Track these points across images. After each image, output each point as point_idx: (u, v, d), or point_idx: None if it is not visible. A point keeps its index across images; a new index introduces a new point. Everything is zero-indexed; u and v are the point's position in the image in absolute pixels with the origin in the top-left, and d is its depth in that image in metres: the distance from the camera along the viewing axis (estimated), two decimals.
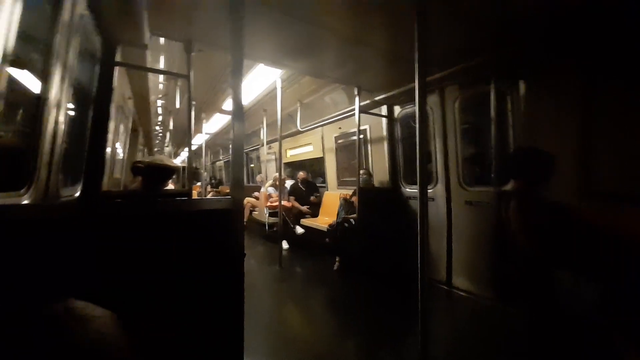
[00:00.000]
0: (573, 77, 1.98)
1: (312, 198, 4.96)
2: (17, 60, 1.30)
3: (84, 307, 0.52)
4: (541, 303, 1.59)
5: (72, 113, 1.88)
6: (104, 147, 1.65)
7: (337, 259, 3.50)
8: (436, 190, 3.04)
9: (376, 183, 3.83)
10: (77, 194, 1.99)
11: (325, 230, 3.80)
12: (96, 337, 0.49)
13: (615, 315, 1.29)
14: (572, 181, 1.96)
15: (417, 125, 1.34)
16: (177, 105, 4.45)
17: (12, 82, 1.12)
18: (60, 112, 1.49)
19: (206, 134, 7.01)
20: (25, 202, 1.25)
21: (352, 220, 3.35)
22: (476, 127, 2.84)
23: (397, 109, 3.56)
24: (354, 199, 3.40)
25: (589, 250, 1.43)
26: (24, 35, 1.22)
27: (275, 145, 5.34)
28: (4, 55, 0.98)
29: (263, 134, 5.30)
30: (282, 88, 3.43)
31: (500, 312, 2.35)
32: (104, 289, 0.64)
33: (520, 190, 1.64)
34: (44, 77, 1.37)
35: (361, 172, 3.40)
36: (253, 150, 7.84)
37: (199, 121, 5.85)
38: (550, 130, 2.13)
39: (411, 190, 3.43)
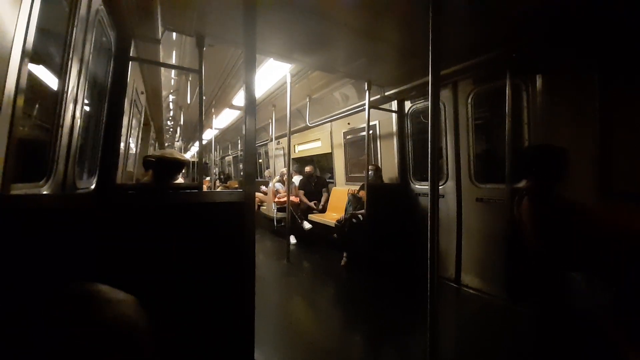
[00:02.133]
0: (592, 73, 1.91)
1: (315, 202, 4.96)
2: (36, 56, 1.34)
3: (107, 290, 0.54)
4: (551, 303, 1.57)
5: (88, 108, 1.92)
6: (118, 141, 1.68)
7: (344, 255, 3.51)
8: (446, 187, 3.00)
9: (385, 179, 3.80)
10: (93, 186, 2.05)
11: (333, 225, 3.80)
12: (121, 319, 0.51)
13: (626, 318, 1.26)
14: (589, 180, 1.91)
15: (430, 121, 1.32)
16: (188, 101, 4.50)
17: (30, 77, 1.15)
18: (77, 107, 1.52)
19: (216, 129, 7.08)
20: (44, 192, 1.29)
21: (360, 216, 3.34)
22: (490, 122, 2.78)
23: (407, 105, 3.51)
24: (362, 193, 3.38)
25: (603, 250, 1.39)
26: (42, 31, 1.25)
27: (284, 140, 5.35)
28: (25, 52, 1.00)
29: (272, 129, 5.31)
30: (291, 83, 3.42)
31: (509, 310, 2.32)
32: (118, 278, 0.66)
33: (533, 188, 1.60)
34: (62, 72, 1.40)
35: (370, 167, 3.38)
36: (261, 145, 7.88)
37: (208, 116, 5.90)
38: (568, 127, 2.07)
39: (420, 186, 3.39)
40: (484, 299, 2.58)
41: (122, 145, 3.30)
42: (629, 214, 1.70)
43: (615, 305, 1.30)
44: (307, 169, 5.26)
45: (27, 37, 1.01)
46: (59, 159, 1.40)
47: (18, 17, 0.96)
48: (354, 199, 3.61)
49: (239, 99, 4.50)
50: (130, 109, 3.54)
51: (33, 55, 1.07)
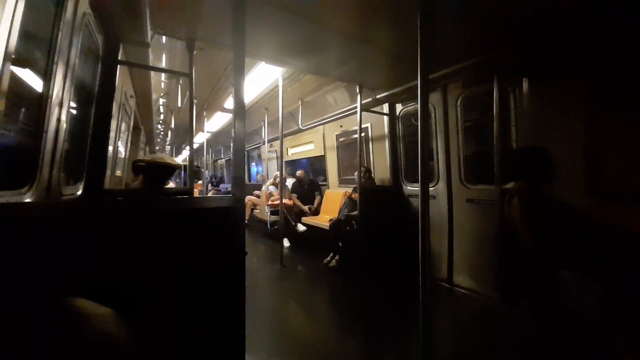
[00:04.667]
0: (578, 76, 1.96)
1: (309, 207, 4.95)
2: (20, 58, 1.31)
3: (84, 305, 0.52)
4: (542, 301, 1.59)
5: (74, 112, 1.88)
6: (106, 146, 1.65)
7: (332, 255, 3.51)
8: (437, 188, 3.03)
9: (377, 181, 3.82)
10: (79, 192, 2.00)
11: (327, 227, 3.80)
12: (96, 333, 0.49)
13: (617, 316, 1.29)
14: (577, 181, 1.95)
15: (420, 123, 1.33)
16: (179, 104, 4.45)
17: (14, 80, 1.13)
18: (63, 111, 1.49)
19: (207, 132, 7.02)
20: (28, 200, 1.26)
21: (353, 222, 3.35)
22: (478, 125, 2.83)
23: (398, 107, 3.55)
24: (355, 195, 3.39)
25: (593, 250, 1.42)
26: (26, 34, 1.23)
27: (276, 143, 5.34)
28: (7, 54, 0.98)
29: (264, 133, 5.30)
30: (283, 86, 3.42)
31: (501, 310, 2.35)
32: (107, 287, 0.64)
33: (523, 188, 1.63)
34: (47, 75, 1.37)
35: (362, 170, 3.40)
36: (254, 148, 7.85)
37: (200, 120, 5.86)
38: (554, 129, 2.12)
39: (412, 188, 3.42)
40: (476, 299, 2.61)
41: (110, 149, 3.24)
42: (616, 213, 1.74)
43: (606, 303, 1.32)
44: (298, 173, 5.26)
45: (10, 40, 0.99)
46: (44, 164, 1.36)
47: (0, 19, 0.94)
48: (350, 202, 3.62)
49: (231, 102, 4.47)
50: (119, 113, 3.48)
51: (17, 58, 1.05)
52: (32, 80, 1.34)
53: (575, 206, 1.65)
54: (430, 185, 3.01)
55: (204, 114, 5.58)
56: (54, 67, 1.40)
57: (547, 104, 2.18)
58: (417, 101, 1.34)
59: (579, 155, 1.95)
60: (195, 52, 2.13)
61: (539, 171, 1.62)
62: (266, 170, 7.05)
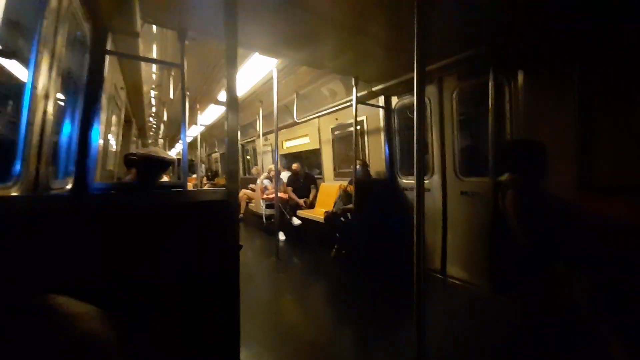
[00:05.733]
0: (572, 69, 1.97)
1: (305, 200, 4.95)
2: (3, 48, 1.26)
3: (67, 303, 0.50)
4: (534, 293, 1.62)
5: (62, 103, 1.83)
6: (96, 139, 1.61)
7: (336, 248, 3.54)
8: (432, 181, 3.05)
9: (373, 174, 3.83)
10: (69, 187, 1.96)
11: (322, 221, 3.81)
12: (79, 334, 0.46)
13: (605, 308, 1.31)
14: (569, 174, 1.97)
15: (415, 116, 1.32)
16: (171, 96, 4.37)
17: None
18: (49, 103, 1.45)
19: (201, 125, 6.92)
20: (14, 194, 1.22)
21: (348, 214, 3.37)
22: (473, 118, 2.84)
23: (394, 100, 3.53)
24: (350, 188, 3.40)
25: (584, 242, 1.45)
26: (9, 22, 1.18)
27: (271, 136, 5.29)
28: None
29: (259, 126, 5.24)
30: (278, 78, 3.37)
31: (493, 301, 2.39)
32: (96, 284, 0.63)
33: (516, 181, 1.65)
34: (32, 65, 1.33)
35: (357, 163, 3.39)
36: (249, 142, 7.78)
37: (193, 112, 5.76)
38: (548, 122, 2.13)
39: (407, 181, 3.43)
40: (469, 290, 2.65)
41: (100, 142, 3.17)
42: (608, 206, 1.77)
43: (596, 295, 1.35)
44: (294, 166, 5.23)
45: None
46: (30, 157, 1.32)
47: None
48: (345, 195, 3.62)
49: (224, 94, 4.41)
50: (109, 105, 3.40)
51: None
52: (16, 70, 1.29)
53: (568, 199, 1.67)
54: (425, 178, 3.02)
55: (197, 106, 5.49)
56: (39, 56, 1.35)
57: (542, 97, 2.18)
58: (413, 94, 1.33)
59: (573, 149, 1.97)
60: (187, 43, 2.08)
61: (533, 164, 1.64)
62: (261, 163, 7.01)
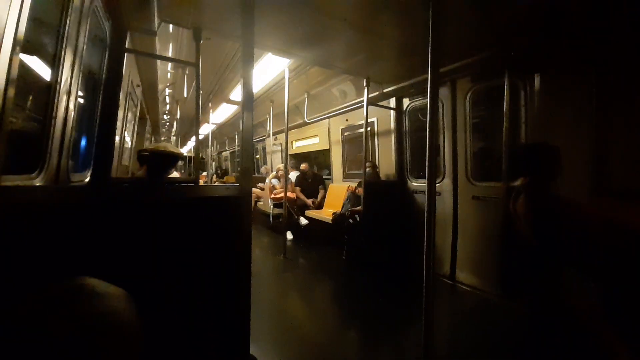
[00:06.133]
0: (589, 72, 1.92)
1: (313, 200, 4.96)
2: (29, 46, 1.31)
3: (97, 284, 0.54)
4: (546, 299, 1.59)
5: (82, 100, 1.89)
6: (113, 134, 1.66)
7: (345, 249, 3.54)
8: (443, 185, 3.01)
9: (382, 176, 3.81)
10: (87, 180, 2.02)
11: (330, 221, 3.81)
12: (109, 312, 0.51)
13: (616, 314, 1.28)
14: (585, 178, 1.92)
15: (428, 118, 1.31)
16: (185, 94, 4.45)
17: (23, 68, 1.13)
18: (71, 98, 1.50)
19: (213, 123, 7.02)
20: (37, 184, 1.27)
21: (357, 216, 3.36)
22: (487, 121, 2.79)
23: (405, 102, 3.51)
24: (359, 190, 3.39)
25: (597, 248, 1.41)
26: (35, 21, 1.23)
27: (281, 136, 5.33)
28: (16, 42, 0.98)
29: (269, 125, 5.28)
30: (289, 78, 3.39)
31: (504, 307, 2.35)
32: (111, 272, 0.65)
33: (529, 186, 1.61)
34: (55, 63, 1.38)
35: (367, 164, 3.38)
36: (259, 141, 7.84)
37: (205, 111, 5.85)
38: (565, 126, 2.08)
39: (417, 184, 3.40)
40: (479, 296, 2.61)
41: (117, 138, 3.26)
42: (624, 211, 1.72)
43: (606, 302, 1.32)
44: (302, 166, 5.25)
45: (19, 27, 0.99)
46: (52, 151, 1.37)
47: (10, 7, 0.94)
48: (353, 196, 3.62)
49: (237, 93, 4.46)
50: (126, 102, 3.49)
51: (26, 45, 1.05)
52: (41, 67, 1.34)
53: (580, 203, 1.62)
54: (436, 182, 2.99)
55: (209, 105, 5.57)
56: (63, 54, 1.40)
57: (558, 101, 2.13)
58: (425, 96, 1.32)
59: (589, 153, 1.92)
60: (202, 42, 2.12)
61: (546, 168, 1.60)
62: (270, 163, 7.05)
